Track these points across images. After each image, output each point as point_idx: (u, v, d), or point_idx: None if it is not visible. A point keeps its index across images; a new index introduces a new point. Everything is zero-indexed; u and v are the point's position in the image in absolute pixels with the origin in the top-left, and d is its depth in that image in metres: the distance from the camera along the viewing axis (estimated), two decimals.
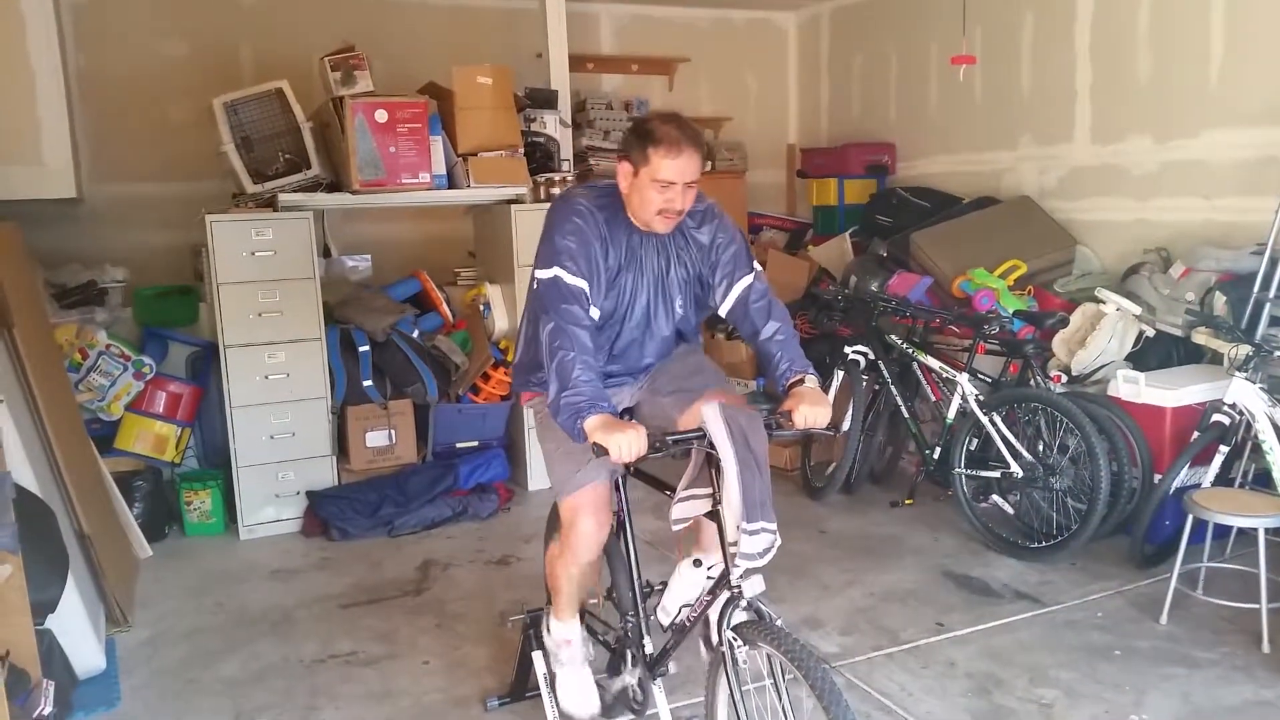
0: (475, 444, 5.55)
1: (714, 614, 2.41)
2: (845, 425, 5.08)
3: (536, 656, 3.09)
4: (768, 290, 2.72)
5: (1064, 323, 4.86)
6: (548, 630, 3.02)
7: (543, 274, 2.56)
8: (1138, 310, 4.67)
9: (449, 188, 5.28)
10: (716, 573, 2.49)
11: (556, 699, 2.95)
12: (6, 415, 3.43)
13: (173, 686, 3.54)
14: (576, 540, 2.70)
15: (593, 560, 2.79)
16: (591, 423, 2.34)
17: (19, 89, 5.05)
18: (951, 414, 4.86)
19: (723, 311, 2.75)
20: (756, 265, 2.76)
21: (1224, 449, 3.93)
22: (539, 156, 5.62)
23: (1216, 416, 3.93)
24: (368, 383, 5.28)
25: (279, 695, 3.45)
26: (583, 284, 2.53)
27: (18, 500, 3.19)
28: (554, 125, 5.77)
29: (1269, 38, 4.66)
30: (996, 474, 4.57)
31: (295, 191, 5.06)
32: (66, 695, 3.27)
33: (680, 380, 2.79)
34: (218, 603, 4.27)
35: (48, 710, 2.98)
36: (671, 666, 2.76)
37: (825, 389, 5.05)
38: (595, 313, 2.58)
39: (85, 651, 3.50)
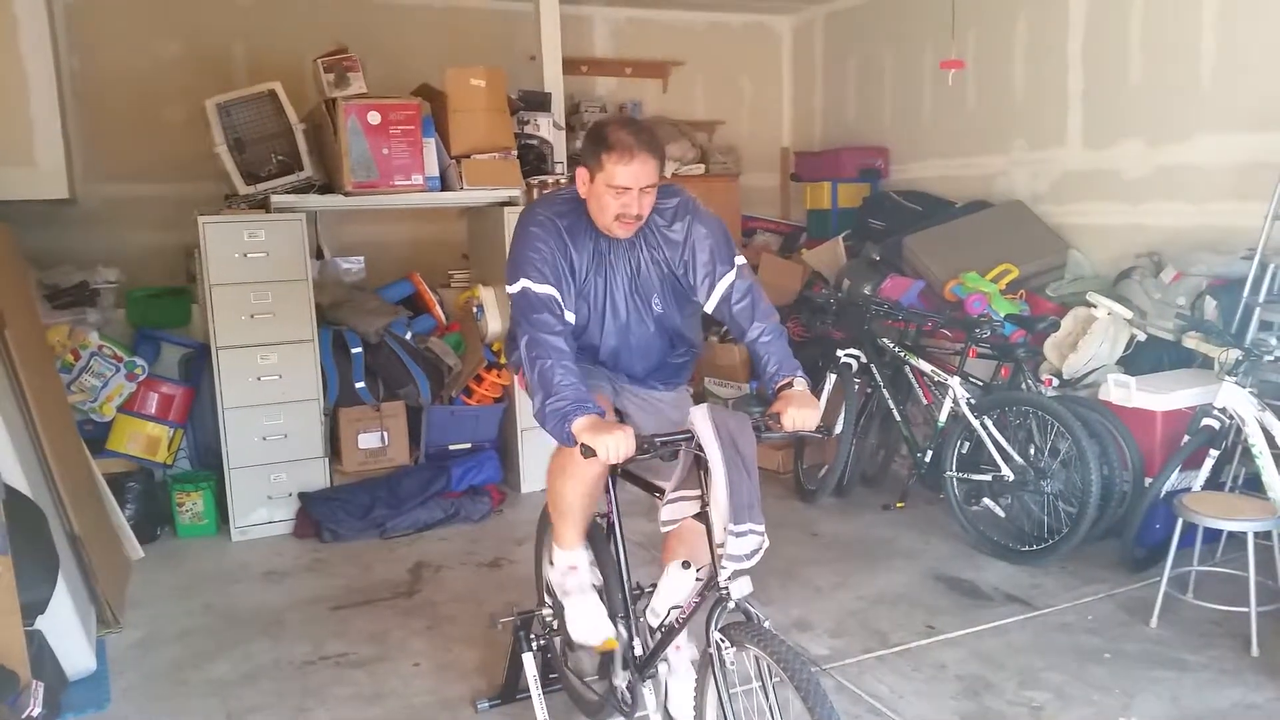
0: (468, 446, 5.54)
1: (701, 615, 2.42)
2: (838, 428, 5.09)
3: (527, 658, 3.08)
4: (751, 288, 2.72)
5: (1055, 326, 4.87)
6: (550, 562, 2.94)
7: (511, 289, 2.61)
8: (1129, 314, 4.68)
9: (442, 190, 5.28)
10: (704, 575, 2.49)
11: (566, 629, 2.83)
12: None
13: (163, 688, 3.54)
14: (580, 462, 2.58)
15: (598, 476, 2.72)
16: (579, 424, 2.36)
17: (12, 90, 5.05)
18: (943, 417, 4.87)
19: (709, 309, 2.76)
20: (739, 259, 2.75)
21: (1214, 453, 3.94)
22: (532, 159, 5.62)
23: (1206, 420, 3.94)
24: (360, 384, 5.28)
25: (270, 696, 3.45)
26: (550, 290, 2.57)
27: (8, 501, 3.20)
28: (547, 128, 5.78)
29: (1260, 43, 4.67)
30: (988, 477, 4.58)
31: (288, 193, 5.06)
32: (56, 696, 3.28)
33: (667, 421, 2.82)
34: (209, 604, 4.27)
35: (37, 711, 2.99)
36: (661, 669, 2.76)
37: (818, 392, 5.07)
38: (570, 316, 2.61)
39: (75, 652, 3.50)
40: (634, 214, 2.60)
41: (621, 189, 2.55)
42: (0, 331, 3.78)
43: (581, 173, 2.63)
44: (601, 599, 2.84)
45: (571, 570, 2.88)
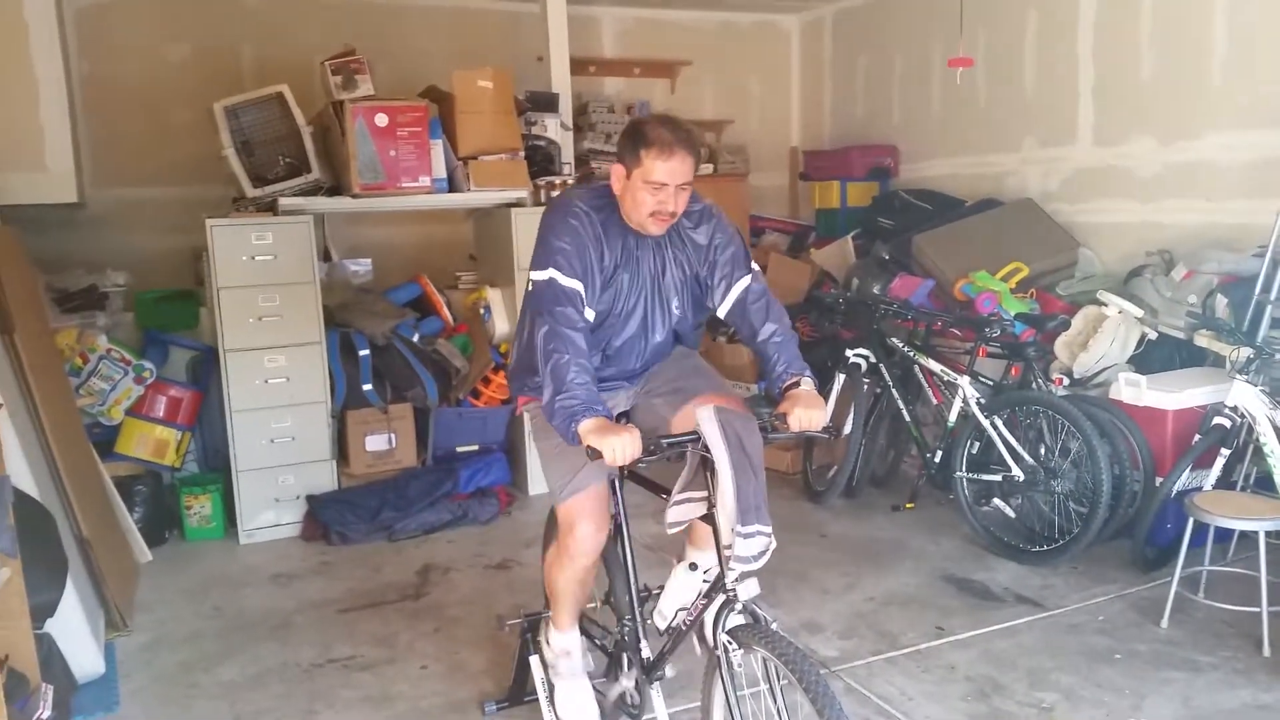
0: (475, 448, 5.54)
1: (709, 617, 2.40)
2: (846, 429, 5.07)
3: (534, 661, 3.07)
4: (765, 291, 2.72)
5: (1066, 325, 4.84)
6: (546, 642, 3.00)
7: (538, 275, 2.56)
8: (1140, 313, 4.66)
9: (449, 191, 5.28)
10: (712, 576, 2.48)
11: (555, 710, 2.92)
12: (6, 419, 3.42)
13: (172, 691, 3.54)
14: (575, 545, 2.69)
15: (591, 564, 2.77)
16: (585, 426, 2.34)
17: (22, 96, 5.05)
18: (953, 417, 4.84)
19: (721, 313, 2.74)
20: (754, 266, 2.76)
21: (1225, 452, 3.91)
22: (540, 160, 5.61)
23: (1218, 419, 3.91)
24: (368, 387, 5.27)
25: (278, 699, 3.45)
26: (578, 285, 2.54)
27: (17, 504, 3.19)
28: (555, 128, 5.77)
29: (1272, 39, 4.64)
30: (998, 477, 4.56)
31: (295, 195, 5.06)
32: (65, 699, 3.27)
33: (674, 381, 2.79)
34: (217, 607, 4.27)
35: (46, 714, 2.98)
36: (669, 671, 2.74)
37: (826, 392, 5.05)
38: (590, 314, 2.59)
39: (84, 655, 3.50)
40: (669, 210, 2.58)
41: (658, 185, 2.53)
42: (9, 335, 3.79)
43: (617, 169, 2.61)
44: (595, 684, 2.94)
45: (565, 655, 2.93)
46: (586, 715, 2.87)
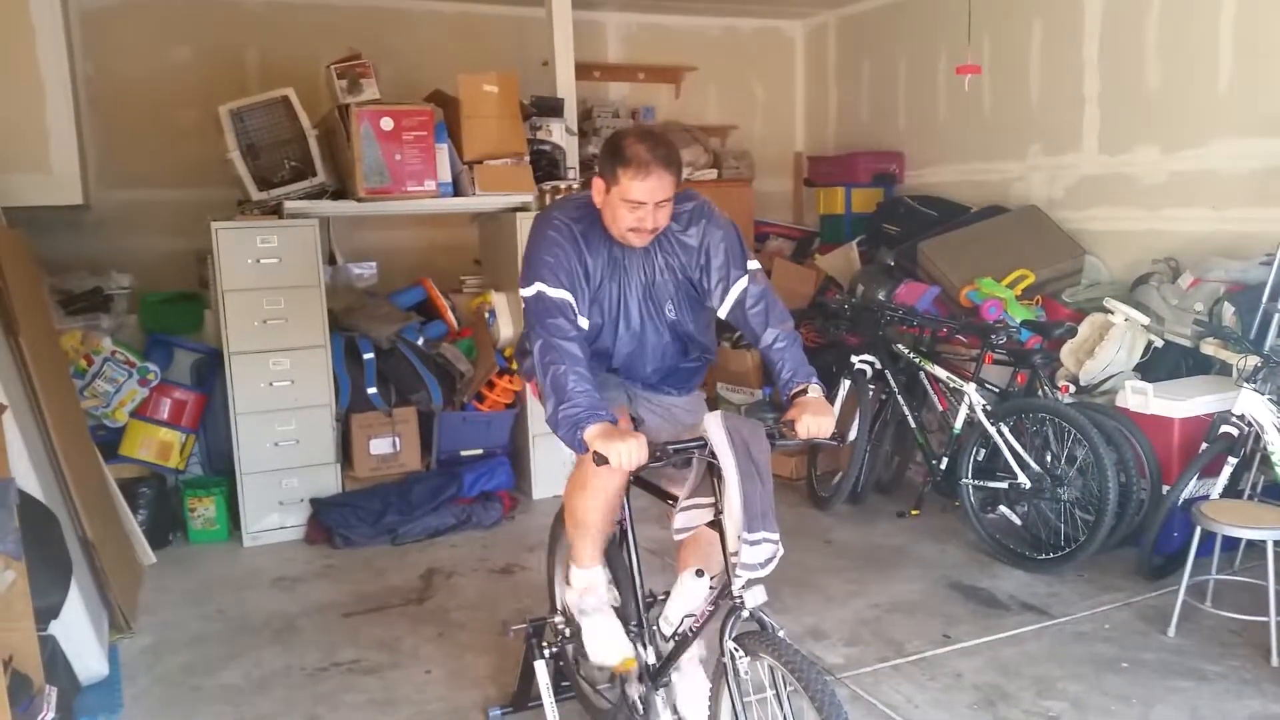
0: (479, 452, 5.54)
1: (716, 624, 2.40)
2: (852, 435, 5.06)
3: (539, 666, 3.06)
4: (765, 292, 2.69)
5: (1072, 333, 4.83)
6: (568, 582, 2.94)
7: (526, 292, 2.58)
8: (1146, 320, 4.65)
9: (454, 195, 5.29)
10: (718, 583, 2.47)
11: (585, 648, 2.82)
12: (11, 421, 3.42)
13: (175, 693, 3.54)
14: (596, 473, 2.59)
15: (614, 494, 2.72)
16: (591, 432, 2.34)
17: (28, 98, 5.06)
18: (959, 424, 4.83)
19: (722, 314, 2.73)
20: (752, 263, 2.73)
21: (1232, 460, 3.90)
22: (545, 164, 5.61)
23: (1225, 428, 3.91)
24: (372, 390, 5.27)
25: (281, 703, 3.44)
26: (566, 295, 2.55)
27: (21, 506, 3.19)
28: (560, 133, 5.77)
29: (1278, 47, 4.63)
30: (1004, 485, 4.54)
31: (301, 199, 5.06)
32: (69, 701, 3.27)
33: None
34: (220, 610, 4.26)
35: (50, 716, 2.97)
36: (674, 677, 2.73)
37: (831, 398, 5.04)
38: (584, 322, 2.60)
39: (88, 658, 3.50)
40: (648, 228, 2.58)
41: (636, 203, 2.53)
42: (14, 337, 3.79)
43: (597, 183, 2.61)
44: (619, 617, 2.82)
45: (589, 591, 2.86)
46: (619, 648, 2.77)
